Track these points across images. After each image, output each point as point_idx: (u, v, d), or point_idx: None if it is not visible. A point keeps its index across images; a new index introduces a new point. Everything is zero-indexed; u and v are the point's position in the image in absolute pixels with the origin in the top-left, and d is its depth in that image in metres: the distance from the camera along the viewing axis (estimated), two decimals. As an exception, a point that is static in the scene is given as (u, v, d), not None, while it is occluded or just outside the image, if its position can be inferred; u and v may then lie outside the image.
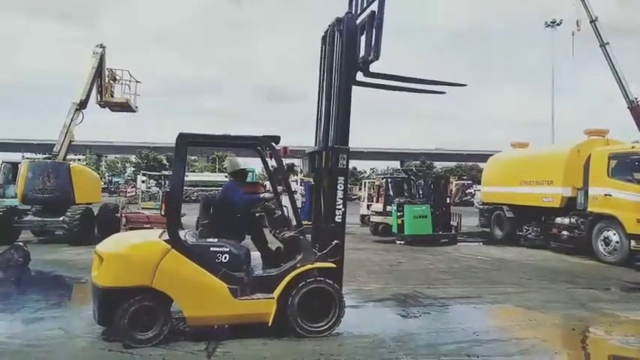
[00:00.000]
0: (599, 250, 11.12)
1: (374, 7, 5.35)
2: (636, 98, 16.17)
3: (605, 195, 11.04)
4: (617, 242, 10.69)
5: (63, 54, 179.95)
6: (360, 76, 5.54)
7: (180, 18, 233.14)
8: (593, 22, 16.64)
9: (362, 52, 5.49)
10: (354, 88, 5.56)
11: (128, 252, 4.87)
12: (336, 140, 5.53)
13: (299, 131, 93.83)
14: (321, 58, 6.05)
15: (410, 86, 5.73)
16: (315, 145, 6.02)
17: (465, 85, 6.08)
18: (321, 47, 6.04)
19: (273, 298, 4.95)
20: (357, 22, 5.64)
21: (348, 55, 5.50)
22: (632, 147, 11.24)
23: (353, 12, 5.77)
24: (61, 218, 12.46)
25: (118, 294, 4.65)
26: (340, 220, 5.49)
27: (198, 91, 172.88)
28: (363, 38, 5.51)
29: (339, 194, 5.48)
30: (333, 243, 5.36)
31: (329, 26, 5.82)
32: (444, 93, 6.02)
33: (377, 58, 5.28)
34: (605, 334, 5.63)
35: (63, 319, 5.76)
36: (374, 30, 5.27)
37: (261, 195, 6.01)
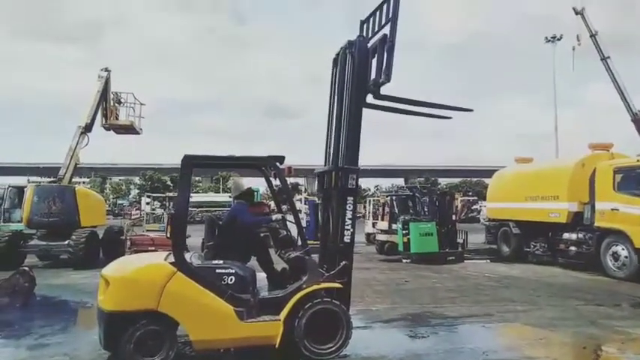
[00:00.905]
0: (607, 266, 11.01)
1: (386, 30, 5.40)
2: (639, 110, 16.16)
3: (612, 209, 10.97)
4: (626, 257, 10.57)
5: (67, 76, 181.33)
6: (370, 99, 5.56)
7: (183, 37, 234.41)
8: (593, 36, 16.75)
9: (373, 75, 5.51)
10: (364, 110, 5.57)
11: (134, 275, 4.85)
12: (346, 160, 5.52)
13: (300, 149, 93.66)
14: (332, 79, 6.07)
15: (418, 110, 5.76)
16: (325, 165, 6.02)
17: (471, 110, 6.15)
18: (332, 69, 6.07)
19: (280, 319, 4.89)
20: (369, 45, 5.68)
21: (359, 77, 5.52)
22: (638, 160, 11.15)
23: (365, 35, 5.82)
24: (66, 242, 12.45)
25: (124, 318, 4.62)
26: (349, 241, 5.46)
27: (199, 110, 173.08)
28: (374, 61, 5.54)
29: (349, 214, 5.46)
30: (342, 264, 5.33)
31: (341, 48, 5.84)
32: (450, 118, 6.05)
33: (388, 80, 5.30)
34: (618, 352, 5.53)
35: (68, 345, 5.72)
36: (385, 53, 5.29)
37: (273, 216, 5.98)
